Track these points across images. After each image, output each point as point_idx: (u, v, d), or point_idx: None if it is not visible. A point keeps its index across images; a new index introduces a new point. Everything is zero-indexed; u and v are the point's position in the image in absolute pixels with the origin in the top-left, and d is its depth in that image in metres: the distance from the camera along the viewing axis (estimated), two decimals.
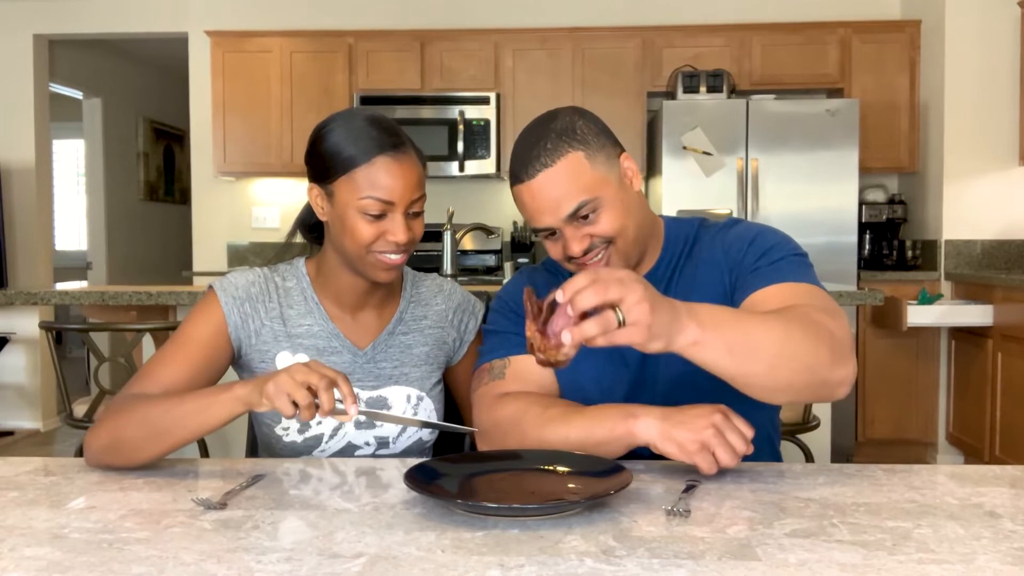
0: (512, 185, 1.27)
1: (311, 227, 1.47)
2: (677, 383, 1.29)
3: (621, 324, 0.95)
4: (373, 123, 1.31)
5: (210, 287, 1.39)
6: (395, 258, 1.32)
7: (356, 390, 1.39)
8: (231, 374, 1.44)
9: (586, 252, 1.25)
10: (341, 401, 1.11)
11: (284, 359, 1.39)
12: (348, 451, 1.39)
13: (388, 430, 1.41)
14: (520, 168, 1.24)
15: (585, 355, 1.33)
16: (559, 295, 0.98)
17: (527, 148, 1.24)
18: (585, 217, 1.23)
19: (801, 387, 1.10)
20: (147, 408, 1.20)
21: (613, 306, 0.96)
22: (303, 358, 1.39)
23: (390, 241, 1.29)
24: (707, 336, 1.01)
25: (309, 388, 1.08)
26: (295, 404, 1.09)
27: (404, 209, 1.29)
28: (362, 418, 1.37)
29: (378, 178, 1.27)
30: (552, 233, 1.26)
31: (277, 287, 1.41)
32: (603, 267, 0.96)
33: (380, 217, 1.29)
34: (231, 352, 1.38)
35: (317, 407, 1.09)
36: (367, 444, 1.40)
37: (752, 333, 1.05)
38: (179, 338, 1.35)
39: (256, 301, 1.39)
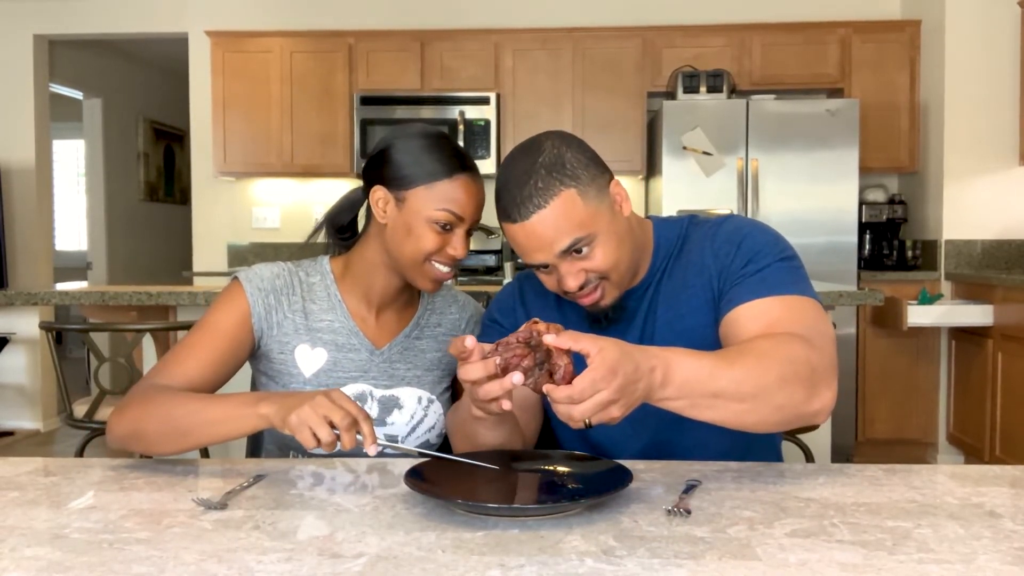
0: (502, 221, 1.24)
1: (339, 228, 1.50)
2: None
3: (588, 426, 1.01)
4: (452, 143, 1.40)
5: (235, 277, 1.42)
6: (447, 271, 1.38)
7: (370, 387, 1.43)
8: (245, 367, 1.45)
9: (581, 288, 1.24)
10: (361, 440, 1.13)
11: (303, 352, 1.41)
12: (357, 448, 1.40)
13: (397, 429, 1.43)
14: (511, 207, 1.21)
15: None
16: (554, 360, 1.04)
17: (517, 186, 1.20)
18: (579, 251, 1.22)
19: (771, 425, 1.14)
20: (171, 405, 1.22)
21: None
22: (321, 353, 1.42)
23: (449, 254, 1.36)
24: (672, 397, 1.06)
25: (332, 424, 1.10)
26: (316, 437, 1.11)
27: (468, 227, 1.37)
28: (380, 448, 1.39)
29: (457, 194, 1.34)
30: (545, 266, 1.25)
31: (301, 281, 1.45)
32: (588, 380, 0.99)
33: (446, 229, 1.35)
34: (253, 342, 1.41)
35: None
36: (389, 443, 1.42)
37: (724, 392, 1.08)
38: (204, 326, 1.38)
39: (280, 293, 1.42)
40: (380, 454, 1.41)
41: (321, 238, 1.52)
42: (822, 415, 1.14)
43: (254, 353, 1.44)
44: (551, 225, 1.19)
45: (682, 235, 1.36)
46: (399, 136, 1.39)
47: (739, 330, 1.21)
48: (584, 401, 0.99)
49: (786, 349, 1.12)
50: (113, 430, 1.26)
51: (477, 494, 1.05)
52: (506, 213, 1.23)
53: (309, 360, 1.41)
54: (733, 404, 1.08)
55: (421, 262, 1.36)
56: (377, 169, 1.39)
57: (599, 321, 1.33)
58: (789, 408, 1.11)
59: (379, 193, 1.38)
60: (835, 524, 0.94)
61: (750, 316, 1.21)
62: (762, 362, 1.10)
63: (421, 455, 1.20)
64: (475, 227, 1.39)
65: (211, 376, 1.35)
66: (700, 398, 1.07)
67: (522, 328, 1.05)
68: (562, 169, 1.20)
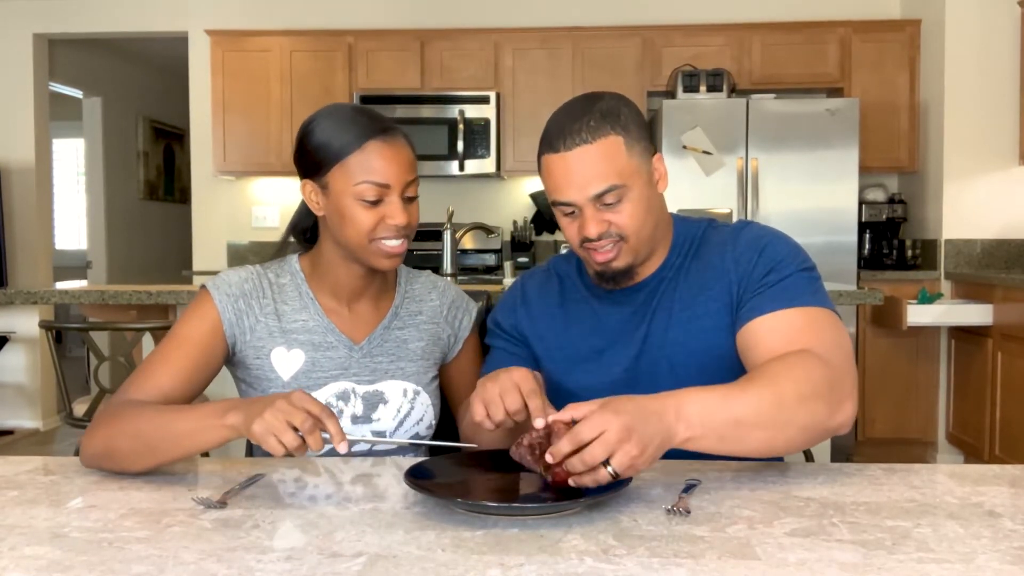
0: (543, 154, 1.26)
1: (304, 231, 1.48)
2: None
3: (615, 476, 0.97)
4: (359, 112, 1.34)
5: (203, 286, 1.39)
6: (396, 244, 1.33)
7: (352, 385, 1.40)
8: (224, 372, 1.44)
9: (600, 238, 1.25)
10: (330, 439, 1.07)
11: (279, 355, 1.39)
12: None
13: (384, 424, 1.41)
14: (557, 138, 1.23)
15: (570, 367, 1.34)
16: (554, 431, 1.01)
17: (568, 120, 1.23)
18: (609, 204, 1.23)
19: (799, 444, 1.14)
20: (140, 421, 1.17)
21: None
22: (299, 354, 1.39)
23: (390, 225, 1.31)
24: (696, 433, 1.05)
25: (296, 427, 1.05)
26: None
27: (400, 192, 1.31)
28: (360, 445, 1.38)
29: (371, 162, 1.29)
30: (571, 212, 1.26)
31: (271, 283, 1.42)
32: (589, 418, 0.97)
33: (377, 203, 1.30)
34: (226, 350, 1.38)
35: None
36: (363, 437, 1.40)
37: (743, 418, 1.07)
38: (174, 338, 1.34)
39: (250, 297, 1.39)
40: (368, 451, 1.40)
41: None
42: (845, 427, 1.15)
43: (231, 360, 1.41)
44: (592, 163, 1.21)
45: (700, 235, 1.36)
46: (308, 123, 1.35)
47: (759, 341, 1.22)
48: (592, 443, 0.96)
49: (800, 369, 1.13)
50: (86, 449, 1.20)
51: (477, 493, 1.05)
52: (550, 143, 1.24)
53: (286, 363, 1.38)
54: (757, 431, 1.08)
55: (366, 243, 1.31)
56: (300, 164, 1.36)
57: (603, 295, 1.34)
58: (813, 426, 1.12)
59: (308, 187, 1.36)
60: (835, 523, 0.94)
61: (770, 327, 1.22)
62: (777, 384, 1.10)
63: (414, 445, 1.19)
64: (411, 188, 1.33)
65: (184, 387, 1.31)
66: (723, 428, 1.06)
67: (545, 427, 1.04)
68: (616, 118, 1.24)
